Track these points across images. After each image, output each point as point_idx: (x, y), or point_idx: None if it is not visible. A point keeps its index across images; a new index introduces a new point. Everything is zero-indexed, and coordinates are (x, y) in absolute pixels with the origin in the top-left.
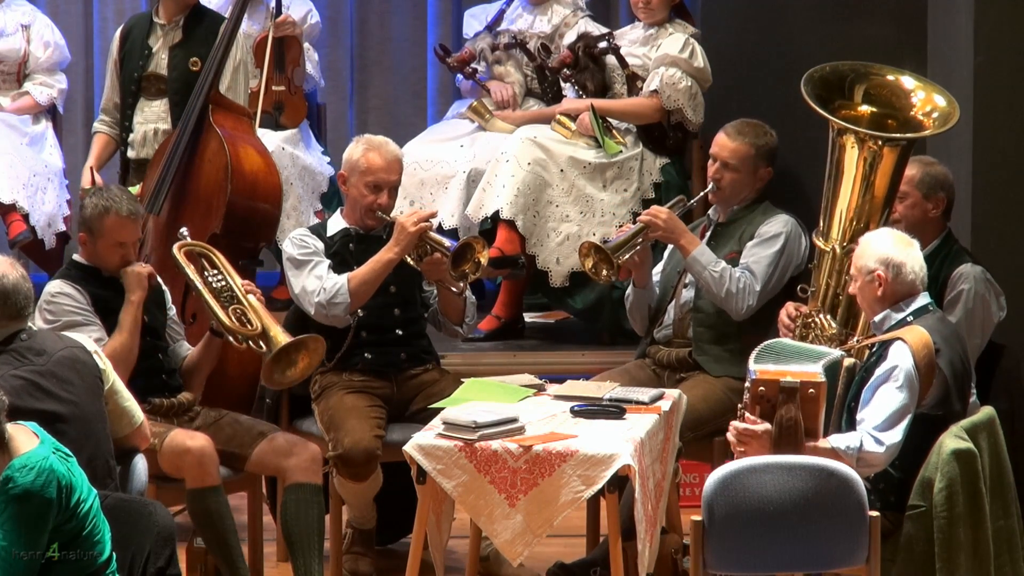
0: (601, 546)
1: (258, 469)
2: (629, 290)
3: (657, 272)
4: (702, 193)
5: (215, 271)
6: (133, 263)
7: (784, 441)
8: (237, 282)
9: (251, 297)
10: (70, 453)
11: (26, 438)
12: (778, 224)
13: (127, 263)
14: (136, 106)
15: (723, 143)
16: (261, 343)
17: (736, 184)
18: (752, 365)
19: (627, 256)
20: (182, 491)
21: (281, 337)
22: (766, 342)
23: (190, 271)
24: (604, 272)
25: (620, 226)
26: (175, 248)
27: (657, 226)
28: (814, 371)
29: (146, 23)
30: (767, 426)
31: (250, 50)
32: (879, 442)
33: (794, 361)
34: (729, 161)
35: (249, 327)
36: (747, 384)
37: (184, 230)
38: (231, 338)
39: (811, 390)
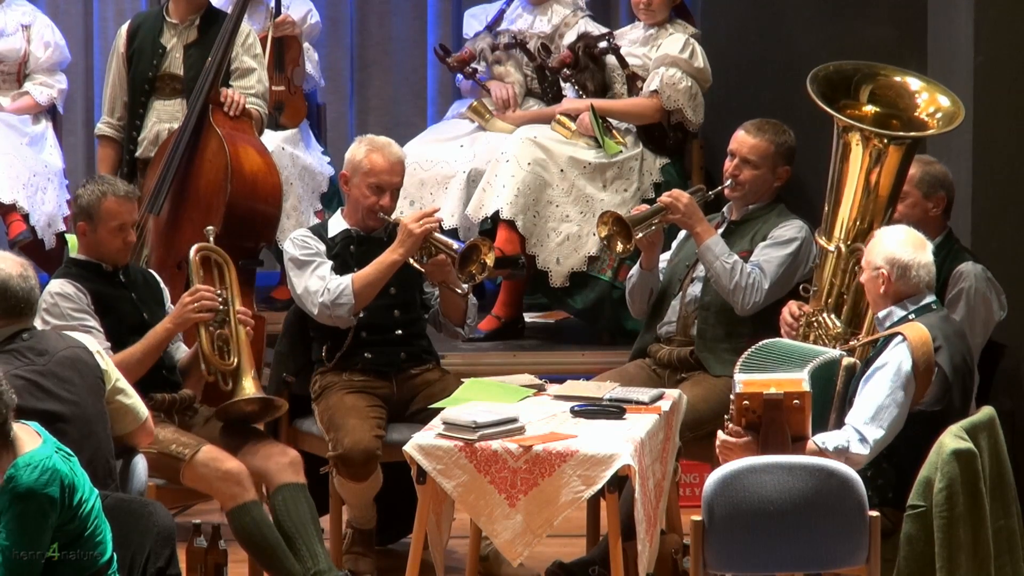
0: (600, 545)
1: None
2: (634, 270)
3: (664, 259)
4: (720, 187)
5: (221, 288)
6: (132, 240)
7: (770, 452)
8: (236, 308)
9: (240, 329)
10: (72, 453)
11: (29, 438)
12: (793, 229)
13: (128, 246)
14: (148, 105)
15: (743, 139)
16: (230, 381)
17: (755, 181)
18: (737, 376)
19: (641, 235)
20: (182, 491)
21: (248, 388)
22: (752, 347)
23: (196, 280)
24: (619, 246)
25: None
26: (193, 249)
27: (677, 208)
28: (798, 379)
29: (156, 22)
30: (747, 439)
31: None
32: (864, 441)
33: (780, 367)
34: (749, 157)
35: (223, 361)
36: (732, 396)
37: (210, 228)
38: (202, 363)
39: (795, 400)
